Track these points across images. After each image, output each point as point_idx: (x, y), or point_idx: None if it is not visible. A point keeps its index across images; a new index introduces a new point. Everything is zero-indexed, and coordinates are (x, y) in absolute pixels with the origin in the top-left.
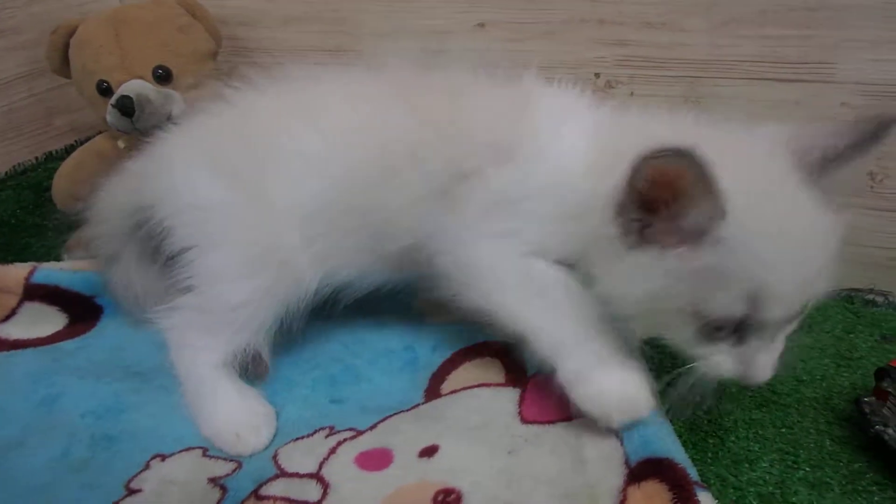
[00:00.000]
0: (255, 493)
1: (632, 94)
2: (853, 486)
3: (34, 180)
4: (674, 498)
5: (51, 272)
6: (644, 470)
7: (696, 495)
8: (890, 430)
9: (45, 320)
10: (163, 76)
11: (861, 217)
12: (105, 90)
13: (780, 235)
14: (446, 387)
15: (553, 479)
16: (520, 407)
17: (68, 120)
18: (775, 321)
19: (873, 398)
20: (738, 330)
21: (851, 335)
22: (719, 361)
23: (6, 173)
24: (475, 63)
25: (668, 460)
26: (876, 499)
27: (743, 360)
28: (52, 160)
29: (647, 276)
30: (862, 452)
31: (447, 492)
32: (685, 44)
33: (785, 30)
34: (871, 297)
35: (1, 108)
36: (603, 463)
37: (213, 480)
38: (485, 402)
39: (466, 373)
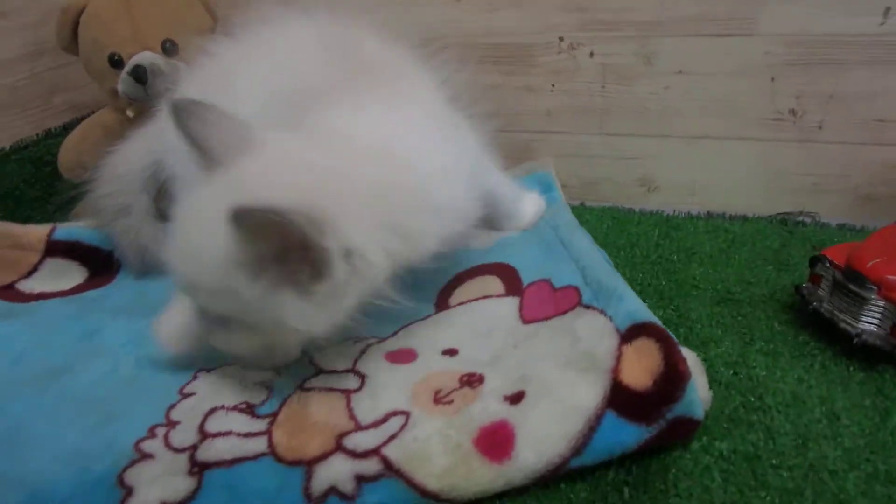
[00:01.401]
0: (300, 387)
1: (591, 54)
2: (800, 352)
3: (35, 155)
4: (661, 349)
5: (71, 229)
6: (633, 332)
7: (678, 347)
8: (825, 305)
9: (67, 275)
10: (170, 49)
11: (787, 149)
12: (117, 62)
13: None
14: (454, 300)
15: (556, 353)
16: (520, 312)
17: (66, 98)
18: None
19: (809, 283)
20: None
21: (787, 248)
22: None
23: (10, 147)
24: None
25: (651, 323)
26: (819, 359)
27: None
28: (52, 136)
29: None
30: (805, 327)
31: (471, 375)
32: (636, 8)
33: None
34: (800, 218)
35: (5, 86)
36: (596, 334)
37: (259, 383)
38: (490, 310)
39: (470, 288)
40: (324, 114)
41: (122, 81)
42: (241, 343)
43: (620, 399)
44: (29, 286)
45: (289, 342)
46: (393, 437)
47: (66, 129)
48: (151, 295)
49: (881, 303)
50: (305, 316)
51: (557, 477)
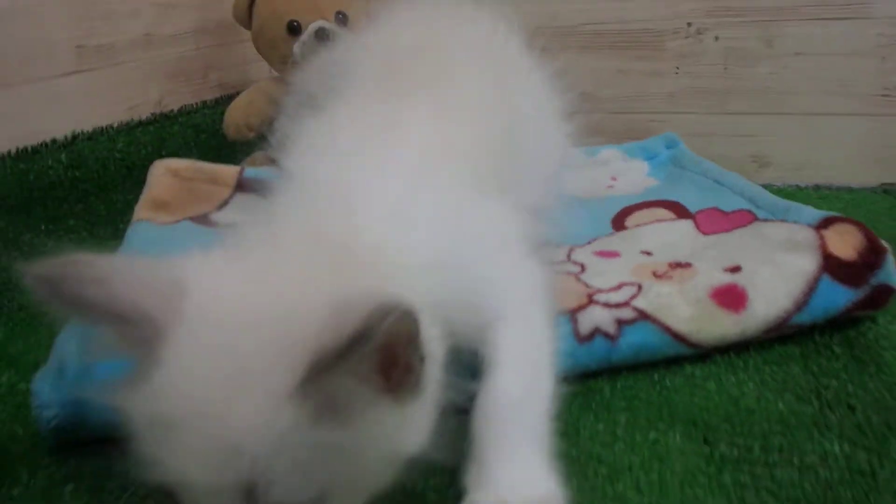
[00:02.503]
0: None
1: (716, 38)
2: None
3: (194, 121)
4: (859, 230)
5: (258, 170)
6: (826, 222)
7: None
8: None
9: (254, 210)
10: (342, 19)
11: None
12: (295, 28)
13: None
14: (629, 223)
15: (754, 246)
16: (697, 228)
17: (218, 76)
18: None
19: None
20: None
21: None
22: None
23: (177, 110)
24: None
25: (842, 216)
26: None
27: None
28: (207, 107)
29: None
30: None
31: (678, 263)
32: None
33: None
34: None
35: (174, 56)
36: (788, 231)
37: None
38: (667, 229)
39: (640, 216)
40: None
41: (302, 44)
42: None
43: (832, 266)
44: (220, 217)
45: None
46: (634, 296)
47: (218, 103)
48: None
49: None
50: (407, 435)
51: (775, 339)
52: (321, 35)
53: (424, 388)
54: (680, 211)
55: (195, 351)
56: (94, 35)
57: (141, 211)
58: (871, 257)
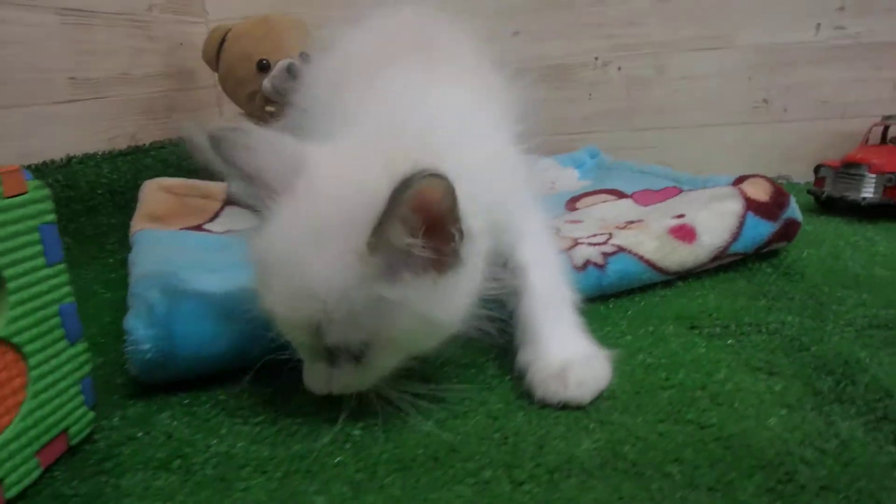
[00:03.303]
0: None
1: (619, 68)
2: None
3: (164, 156)
4: (766, 181)
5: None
6: (739, 180)
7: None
8: (832, 192)
9: (243, 220)
10: (306, 58)
11: (762, 129)
12: (264, 66)
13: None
14: (580, 205)
15: (688, 203)
16: (636, 203)
17: (180, 117)
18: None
19: (816, 185)
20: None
21: None
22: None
23: (148, 145)
24: None
25: (750, 175)
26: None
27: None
28: (172, 144)
29: None
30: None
31: (629, 222)
32: (651, 33)
33: None
34: (779, 180)
35: (146, 96)
36: (711, 192)
37: None
38: (612, 206)
39: (588, 200)
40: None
41: (273, 78)
42: (377, 369)
43: (753, 205)
44: (213, 228)
45: (428, 347)
46: (608, 239)
47: (182, 141)
48: None
49: (872, 176)
50: (446, 307)
51: (718, 268)
52: (292, 70)
53: (464, 264)
54: (618, 194)
55: (294, 215)
56: (83, 68)
57: (137, 224)
58: (780, 198)
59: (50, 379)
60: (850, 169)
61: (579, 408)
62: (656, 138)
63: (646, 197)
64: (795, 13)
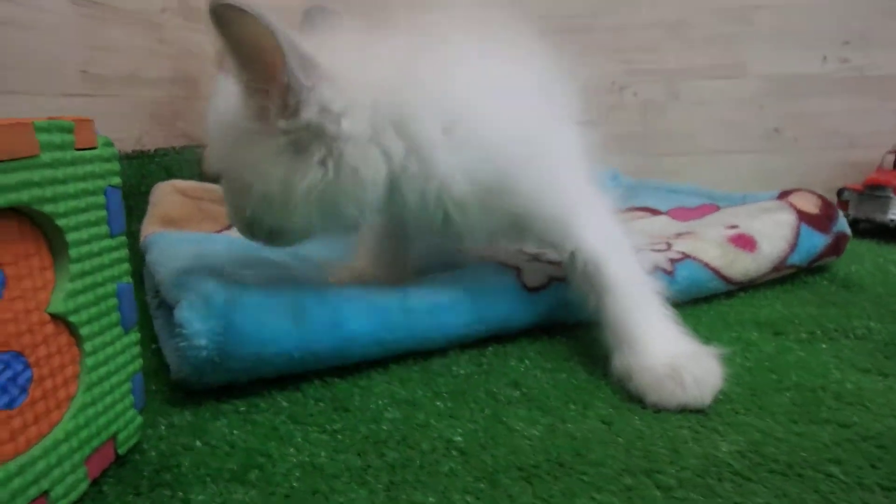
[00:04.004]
0: None
1: (635, 93)
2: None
3: (167, 163)
4: (812, 194)
5: None
6: (784, 194)
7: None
8: (857, 214)
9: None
10: None
11: (775, 157)
12: None
13: None
14: None
15: (734, 215)
16: (673, 219)
17: (184, 126)
18: None
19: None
20: None
21: None
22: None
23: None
24: None
25: (794, 189)
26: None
27: None
28: (175, 153)
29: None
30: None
31: (679, 233)
32: (666, 59)
33: None
34: None
35: (152, 100)
36: (755, 206)
37: None
38: (649, 222)
39: (622, 217)
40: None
41: None
42: (245, 211)
43: (805, 217)
44: (230, 235)
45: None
46: (670, 247)
47: (184, 150)
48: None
49: None
50: (274, 172)
51: (775, 281)
52: None
53: (289, 137)
54: (653, 211)
55: None
56: (95, 63)
57: (150, 227)
58: (830, 211)
59: (103, 371)
60: (874, 191)
61: (698, 410)
62: (671, 163)
63: (683, 214)
64: (803, 45)
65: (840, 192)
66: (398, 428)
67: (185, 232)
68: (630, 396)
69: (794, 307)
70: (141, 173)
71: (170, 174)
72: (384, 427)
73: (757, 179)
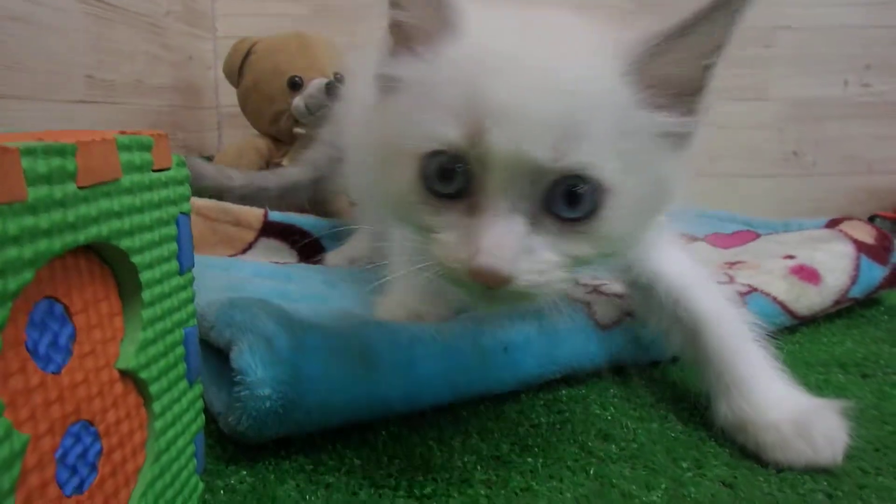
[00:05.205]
0: None
1: None
2: None
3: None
4: (864, 222)
5: (284, 214)
6: (833, 223)
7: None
8: None
9: (278, 255)
10: (340, 79)
11: (793, 181)
12: (297, 84)
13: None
14: None
15: (783, 243)
16: (713, 246)
17: (184, 136)
18: (497, 162)
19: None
20: (467, 194)
21: None
22: (444, 240)
23: None
24: None
25: (842, 217)
26: None
27: (468, 237)
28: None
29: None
30: None
31: (731, 263)
32: None
33: None
34: None
35: (155, 108)
36: (802, 234)
37: None
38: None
39: None
40: None
41: (309, 97)
42: (592, 245)
43: (863, 248)
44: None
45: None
46: (732, 278)
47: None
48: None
49: None
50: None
51: (834, 315)
52: (331, 90)
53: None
54: (687, 237)
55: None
56: (102, 68)
57: None
58: (885, 241)
59: (171, 434)
60: None
61: (824, 470)
62: (690, 185)
63: (721, 240)
64: (825, 69)
65: (871, 219)
66: (497, 493)
67: (206, 256)
68: (742, 450)
69: (868, 345)
70: None
71: None
72: (482, 492)
73: (774, 204)
